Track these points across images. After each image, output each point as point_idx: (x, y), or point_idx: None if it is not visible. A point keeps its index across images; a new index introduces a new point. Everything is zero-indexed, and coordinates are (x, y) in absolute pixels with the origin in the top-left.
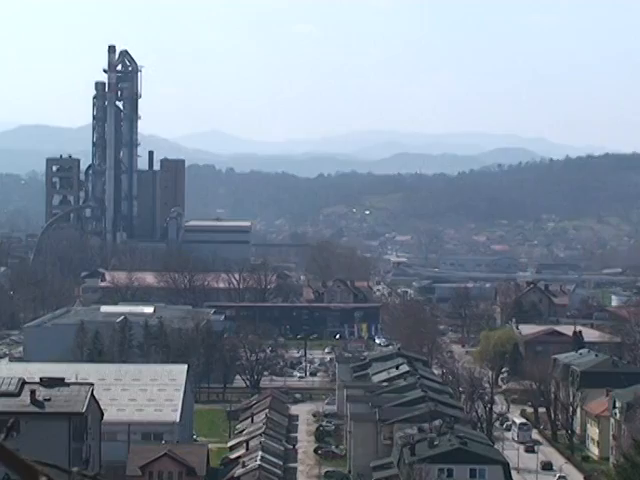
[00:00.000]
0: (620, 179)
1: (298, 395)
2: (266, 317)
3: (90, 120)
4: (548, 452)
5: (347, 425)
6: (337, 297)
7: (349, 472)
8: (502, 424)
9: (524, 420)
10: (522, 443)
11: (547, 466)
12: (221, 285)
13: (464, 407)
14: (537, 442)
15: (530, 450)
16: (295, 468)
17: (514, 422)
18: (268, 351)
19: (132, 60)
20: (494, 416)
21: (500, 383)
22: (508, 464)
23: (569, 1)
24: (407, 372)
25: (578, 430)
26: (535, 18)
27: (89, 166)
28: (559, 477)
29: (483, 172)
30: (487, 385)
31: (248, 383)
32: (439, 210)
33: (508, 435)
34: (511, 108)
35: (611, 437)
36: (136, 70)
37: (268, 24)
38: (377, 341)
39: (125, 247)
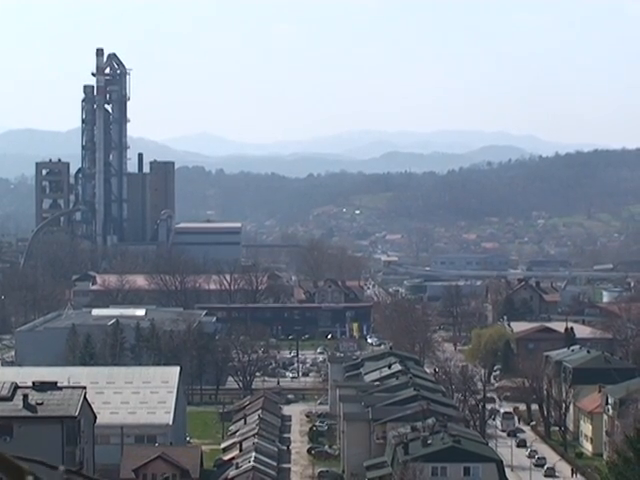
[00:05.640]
0: (610, 175)
1: (291, 396)
2: (258, 318)
3: (79, 123)
4: (541, 449)
5: (340, 425)
6: (328, 297)
7: (343, 472)
8: (490, 416)
9: (508, 409)
10: (505, 431)
11: (522, 443)
12: (212, 287)
13: (457, 405)
14: (519, 430)
15: (512, 434)
16: (289, 469)
17: (498, 412)
18: (260, 352)
19: (120, 63)
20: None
21: (492, 381)
22: (502, 461)
23: (558, 0)
24: (399, 371)
25: (571, 427)
26: (524, 17)
27: (79, 169)
28: (531, 451)
29: (473, 170)
30: (480, 383)
31: (240, 384)
32: (429, 209)
33: (493, 424)
34: (500, 106)
35: (604, 433)
36: (124, 73)
37: (256, 25)
38: (369, 340)
39: (116, 250)
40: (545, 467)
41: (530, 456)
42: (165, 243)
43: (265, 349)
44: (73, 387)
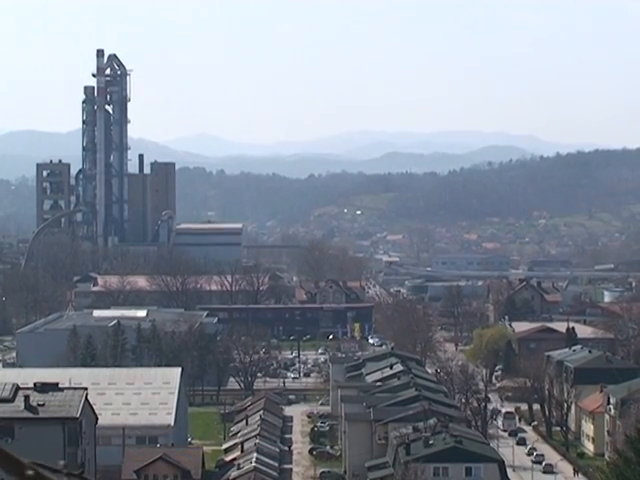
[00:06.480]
0: (610, 175)
1: (292, 396)
2: (259, 319)
3: (80, 125)
4: (543, 449)
5: (342, 425)
6: (330, 297)
7: (344, 472)
8: (491, 416)
9: (509, 409)
10: (506, 431)
11: (521, 441)
12: (213, 287)
13: (458, 406)
14: (520, 429)
15: (512, 434)
16: (290, 469)
17: (499, 411)
18: (261, 353)
19: (121, 64)
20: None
21: (494, 381)
22: (503, 462)
23: (558, 0)
24: (401, 371)
25: (573, 427)
26: (523, 17)
27: (79, 171)
28: (530, 449)
29: (473, 170)
30: (481, 383)
31: (242, 385)
32: (430, 209)
33: (494, 424)
34: (500, 106)
35: (606, 433)
36: (125, 74)
37: (256, 25)
38: (370, 341)
39: (117, 251)
40: (543, 464)
41: (529, 453)
42: (166, 244)
43: (266, 350)
44: (74, 388)
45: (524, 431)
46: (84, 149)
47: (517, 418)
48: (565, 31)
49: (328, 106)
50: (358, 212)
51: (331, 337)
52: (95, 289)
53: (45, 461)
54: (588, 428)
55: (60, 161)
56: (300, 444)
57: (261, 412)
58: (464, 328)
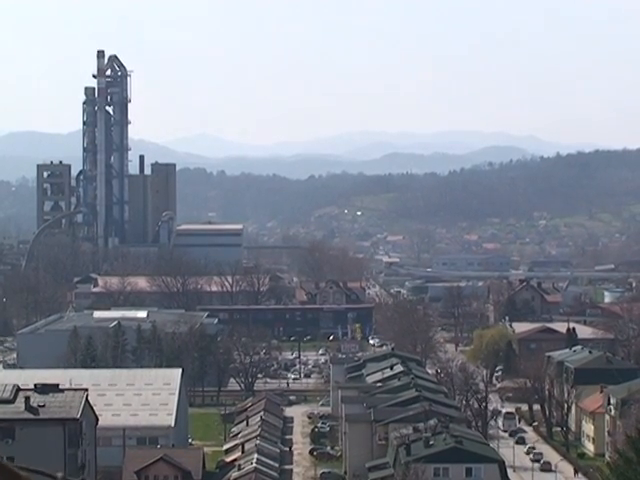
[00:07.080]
0: (611, 175)
1: (293, 397)
2: (259, 319)
3: (80, 126)
4: (544, 449)
5: (342, 426)
6: (330, 298)
7: (345, 473)
8: (492, 417)
9: (509, 410)
10: (507, 431)
11: (520, 440)
12: (214, 288)
13: (459, 406)
14: (521, 429)
15: (512, 434)
16: (291, 470)
17: (500, 412)
18: (262, 354)
19: (121, 65)
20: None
21: (494, 381)
22: (504, 462)
23: (557, 1)
24: (401, 372)
25: (573, 427)
26: (524, 17)
27: (80, 172)
28: (529, 447)
29: (474, 171)
30: (481, 384)
31: (242, 386)
32: (430, 210)
33: (495, 424)
34: (500, 106)
35: (606, 433)
36: (125, 75)
37: (256, 26)
38: (371, 342)
39: (117, 252)
40: (541, 461)
41: (528, 452)
42: (166, 245)
43: (267, 350)
44: (75, 389)
45: (524, 431)
46: (85, 150)
47: (517, 418)
48: (565, 31)
49: (328, 106)
50: (358, 213)
51: (331, 338)
52: (95, 290)
53: (46, 462)
54: (588, 428)
55: (61, 162)
56: (300, 445)
57: (262, 413)
58: (464, 329)
